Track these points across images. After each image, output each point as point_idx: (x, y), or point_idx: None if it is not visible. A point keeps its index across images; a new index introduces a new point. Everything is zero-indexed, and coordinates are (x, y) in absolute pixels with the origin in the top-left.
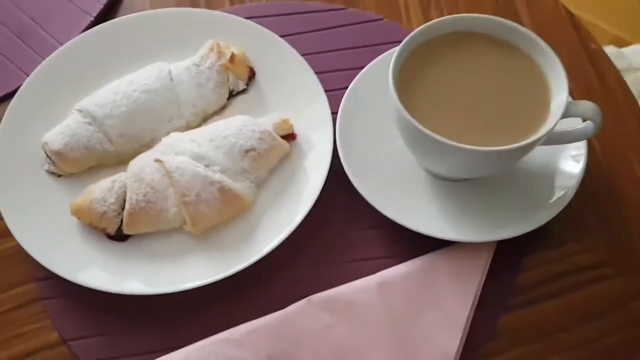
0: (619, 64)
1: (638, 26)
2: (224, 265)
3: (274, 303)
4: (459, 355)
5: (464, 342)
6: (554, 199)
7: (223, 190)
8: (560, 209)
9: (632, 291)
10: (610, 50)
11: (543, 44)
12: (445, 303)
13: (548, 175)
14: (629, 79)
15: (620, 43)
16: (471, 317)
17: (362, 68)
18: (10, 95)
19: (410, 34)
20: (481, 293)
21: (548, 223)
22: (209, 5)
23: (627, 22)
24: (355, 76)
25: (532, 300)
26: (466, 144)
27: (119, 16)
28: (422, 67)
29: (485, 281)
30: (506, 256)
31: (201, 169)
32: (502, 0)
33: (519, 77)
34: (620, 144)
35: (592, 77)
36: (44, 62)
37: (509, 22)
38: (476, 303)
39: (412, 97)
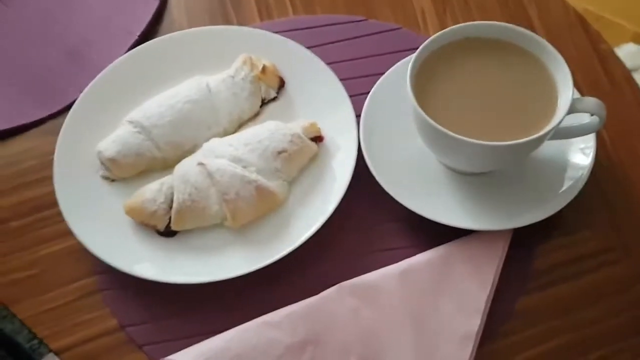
0: (638, 60)
1: None
2: (260, 256)
3: (307, 290)
4: (479, 336)
5: (484, 324)
6: (565, 188)
7: (259, 189)
8: (571, 198)
9: (638, 274)
10: (630, 47)
11: (548, 46)
12: (465, 288)
13: (559, 168)
14: None
15: None
16: (490, 300)
17: (382, 74)
18: (63, 111)
19: (425, 42)
20: (500, 278)
21: (560, 212)
22: (240, 21)
23: None
24: (376, 81)
25: (546, 284)
26: (480, 140)
27: (160, 33)
28: (436, 71)
29: (503, 267)
30: (522, 244)
31: (239, 169)
32: (513, 6)
33: (527, 78)
34: (628, 137)
35: (601, 75)
36: (95, 79)
37: (515, 26)
38: (495, 287)
39: (429, 99)
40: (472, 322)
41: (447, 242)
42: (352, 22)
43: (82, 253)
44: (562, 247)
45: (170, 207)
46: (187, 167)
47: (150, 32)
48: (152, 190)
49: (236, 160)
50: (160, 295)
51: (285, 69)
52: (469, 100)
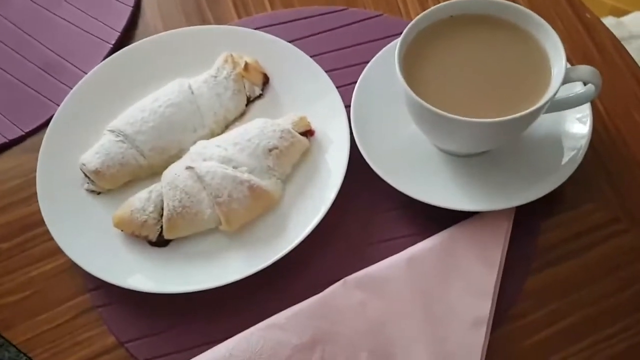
0: (619, 33)
1: None
2: (259, 258)
3: (310, 288)
4: (491, 319)
5: (495, 306)
6: (566, 161)
7: (252, 188)
8: (572, 170)
9: None
10: (609, 21)
11: (535, 17)
12: (472, 271)
13: (557, 141)
14: (631, 47)
15: (619, 13)
16: (499, 282)
17: (368, 62)
18: (44, 126)
19: (410, 23)
20: (506, 258)
21: (562, 187)
22: (217, 20)
23: None
24: (362, 70)
25: (553, 261)
26: (474, 117)
27: (136, 39)
28: (424, 52)
29: (508, 247)
30: (525, 222)
31: (230, 170)
32: None
33: (517, 51)
34: (623, 105)
35: (590, 45)
36: (72, 91)
37: (500, 0)
38: (502, 268)
39: (418, 80)
40: (483, 305)
41: (450, 227)
42: (333, 12)
43: (74, 270)
44: (566, 222)
45: (161, 216)
46: (175, 172)
47: (125, 39)
48: (140, 200)
49: (226, 161)
50: (157, 307)
51: (269, 65)
52: (460, 79)
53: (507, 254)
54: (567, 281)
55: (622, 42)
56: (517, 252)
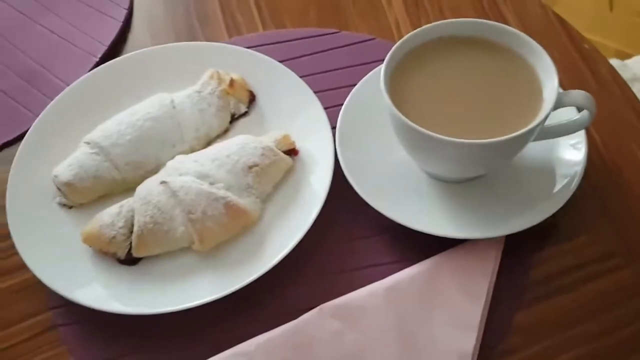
0: (623, 75)
1: (639, 38)
2: (232, 280)
3: (284, 314)
4: (476, 355)
5: (480, 340)
6: (558, 189)
7: (228, 206)
8: (565, 199)
9: None
10: (613, 62)
11: (524, 37)
12: (456, 302)
13: (550, 168)
14: (635, 89)
15: (623, 56)
16: (486, 315)
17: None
18: (21, 138)
19: (398, 42)
20: (494, 290)
21: (556, 217)
22: (208, 39)
23: (628, 36)
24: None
25: (545, 295)
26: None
27: (123, 54)
28: (411, 74)
29: (497, 278)
30: (516, 253)
31: (205, 186)
32: (490, 13)
33: (508, 74)
34: (620, 134)
35: (587, 74)
36: (51, 103)
37: (488, 21)
38: (489, 300)
39: (405, 102)
40: (468, 339)
41: (435, 254)
42: (325, 34)
43: (37, 287)
44: (559, 255)
45: (131, 232)
46: (149, 187)
47: (113, 54)
48: (110, 214)
49: (202, 176)
50: (121, 329)
51: (256, 83)
52: (448, 100)
53: (495, 286)
54: (560, 317)
55: None
56: (506, 284)
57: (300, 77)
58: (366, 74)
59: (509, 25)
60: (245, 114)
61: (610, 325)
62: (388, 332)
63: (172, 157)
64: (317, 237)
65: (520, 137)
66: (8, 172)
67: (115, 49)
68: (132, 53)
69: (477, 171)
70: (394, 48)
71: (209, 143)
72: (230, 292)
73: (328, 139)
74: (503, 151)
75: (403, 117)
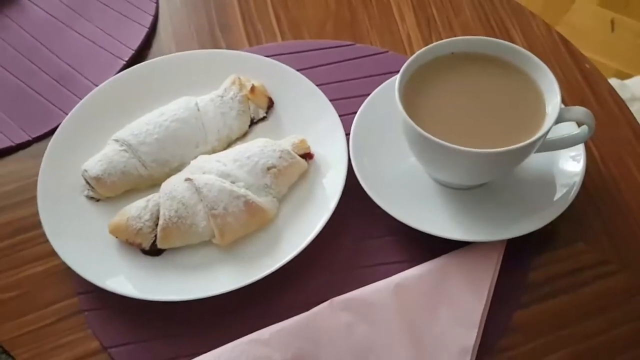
0: (622, 94)
1: (639, 59)
2: (249, 273)
3: (297, 307)
4: (476, 350)
5: (481, 336)
6: (558, 197)
7: (248, 203)
8: (564, 208)
9: (636, 286)
10: (613, 82)
11: (532, 57)
12: (460, 300)
13: (550, 178)
14: (633, 109)
15: (623, 76)
16: (486, 313)
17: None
18: (51, 133)
19: (412, 56)
20: (495, 291)
21: (555, 225)
22: (229, 47)
23: (629, 56)
24: (364, 101)
25: (543, 296)
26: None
27: (148, 59)
28: (424, 86)
29: (498, 279)
30: (517, 256)
31: (227, 184)
32: (497, 29)
33: (514, 88)
34: (616, 150)
35: (587, 92)
36: (80, 102)
37: (499, 40)
38: (490, 299)
39: (417, 111)
40: (469, 335)
41: (441, 255)
42: (341, 46)
43: (65, 273)
44: (558, 260)
45: (156, 225)
46: (174, 183)
47: (139, 58)
48: (137, 208)
49: (224, 175)
50: (144, 315)
51: (275, 90)
52: (457, 112)
53: (496, 286)
54: (556, 317)
55: None
56: (507, 285)
57: (316, 85)
58: (379, 85)
59: (516, 44)
60: (263, 118)
61: (603, 325)
62: (396, 326)
63: (195, 157)
64: (330, 236)
65: (524, 148)
66: (39, 165)
67: (141, 53)
68: (159, 58)
69: (482, 179)
70: (409, 60)
71: (229, 145)
72: (247, 283)
73: (342, 144)
74: (508, 160)
75: (416, 126)
